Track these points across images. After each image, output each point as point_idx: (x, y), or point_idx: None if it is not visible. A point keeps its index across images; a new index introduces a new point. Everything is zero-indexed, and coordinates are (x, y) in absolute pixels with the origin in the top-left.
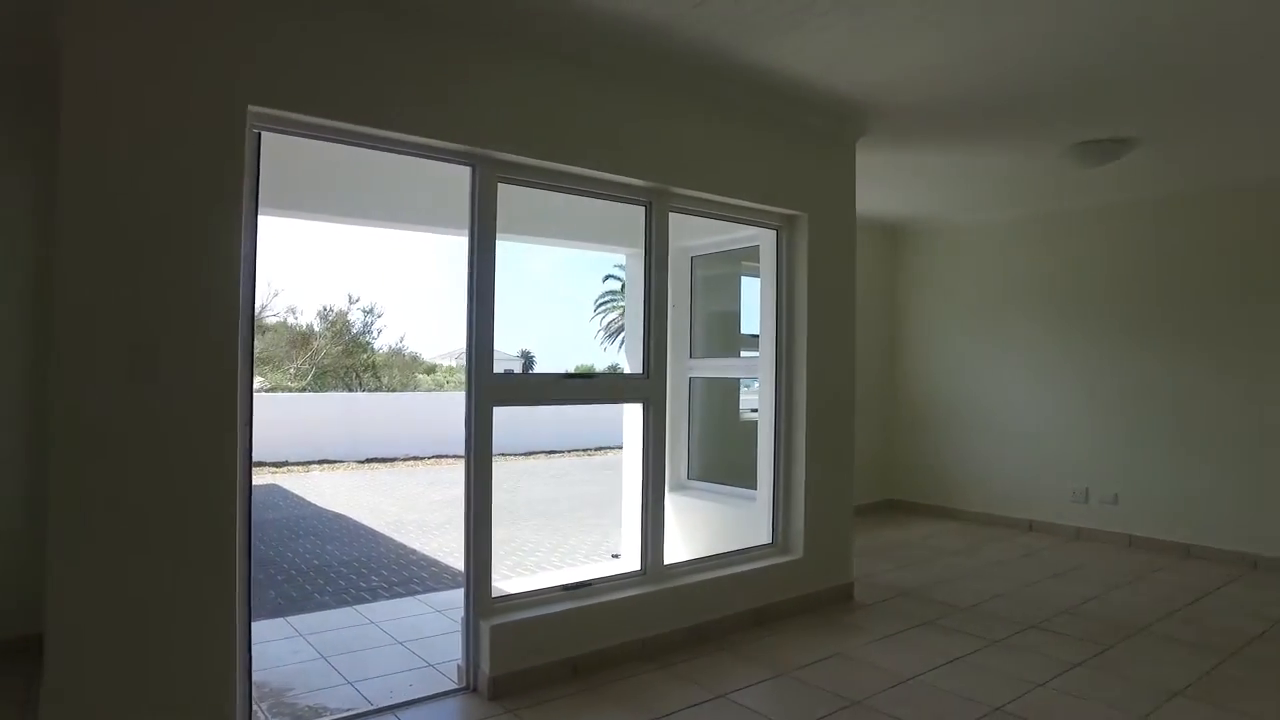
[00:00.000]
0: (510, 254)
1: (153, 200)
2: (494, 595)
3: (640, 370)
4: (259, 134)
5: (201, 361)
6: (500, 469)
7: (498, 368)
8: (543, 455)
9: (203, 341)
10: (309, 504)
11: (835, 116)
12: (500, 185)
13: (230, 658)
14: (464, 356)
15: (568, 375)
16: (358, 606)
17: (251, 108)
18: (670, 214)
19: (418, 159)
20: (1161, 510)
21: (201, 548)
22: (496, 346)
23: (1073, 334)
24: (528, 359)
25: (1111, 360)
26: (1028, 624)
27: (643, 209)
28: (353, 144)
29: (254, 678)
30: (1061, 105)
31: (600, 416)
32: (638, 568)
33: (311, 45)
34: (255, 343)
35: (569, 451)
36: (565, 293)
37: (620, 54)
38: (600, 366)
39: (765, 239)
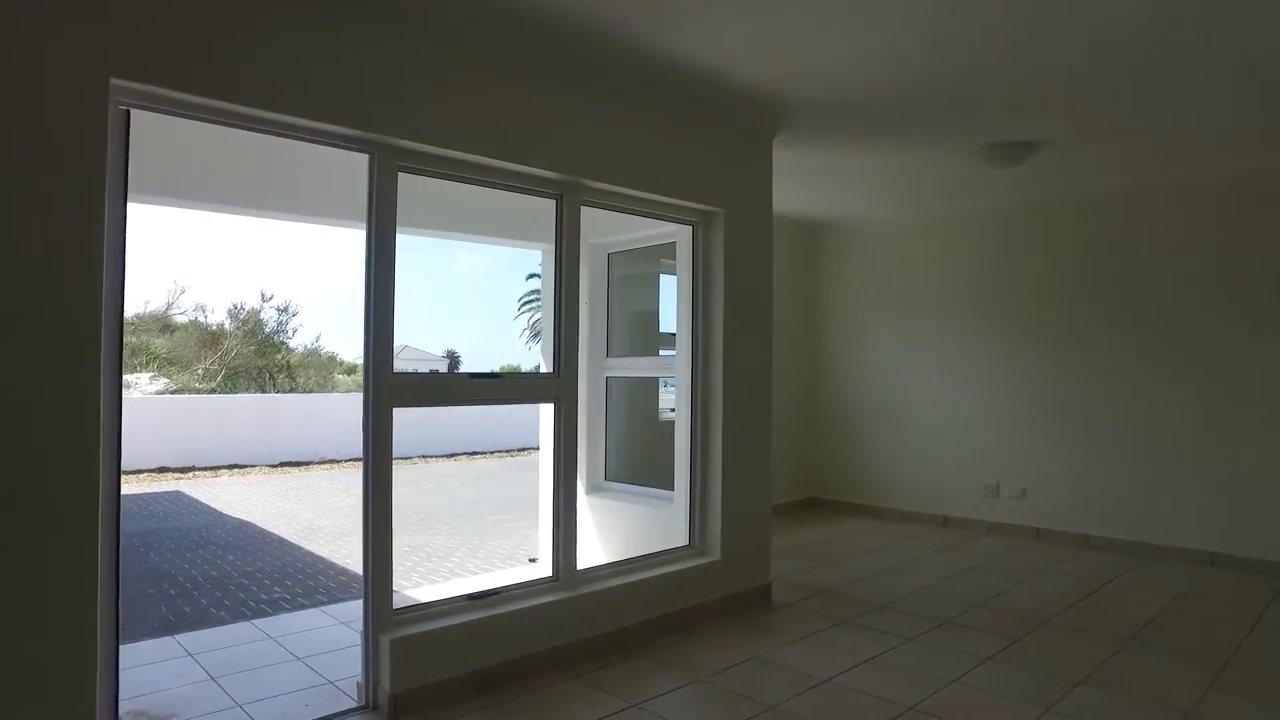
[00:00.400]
0: (438, 253)
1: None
2: (396, 607)
3: (551, 369)
4: (127, 111)
5: (56, 359)
6: (421, 471)
7: (422, 368)
8: (465, 456)
9: (58, 337)
10: (214, 511)
11: (752, 112)
12: (402, 175)
13: (89, 690)
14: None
15: (473, 375)
16: (256, 621)
17: (115, 81)
18: (584, 208)
19: (315, 146)
20: (1065, 504)
21: (55, 568)
22: (422, 347)
23: (984, 333)
24: (453, 359)
25: (1020, 358)
26: (941, 619)
27: (553, 202)
28: (237, 127)
29: (131, 705)
30: (973, 107)
31: (525, 416)
32: (549, 573)
33: (186, 15)
34: (160, 342)
35: (493, 452)
36: (496, 292)
37: (532, 42)
38: (526, 366)
39: (682, 235)
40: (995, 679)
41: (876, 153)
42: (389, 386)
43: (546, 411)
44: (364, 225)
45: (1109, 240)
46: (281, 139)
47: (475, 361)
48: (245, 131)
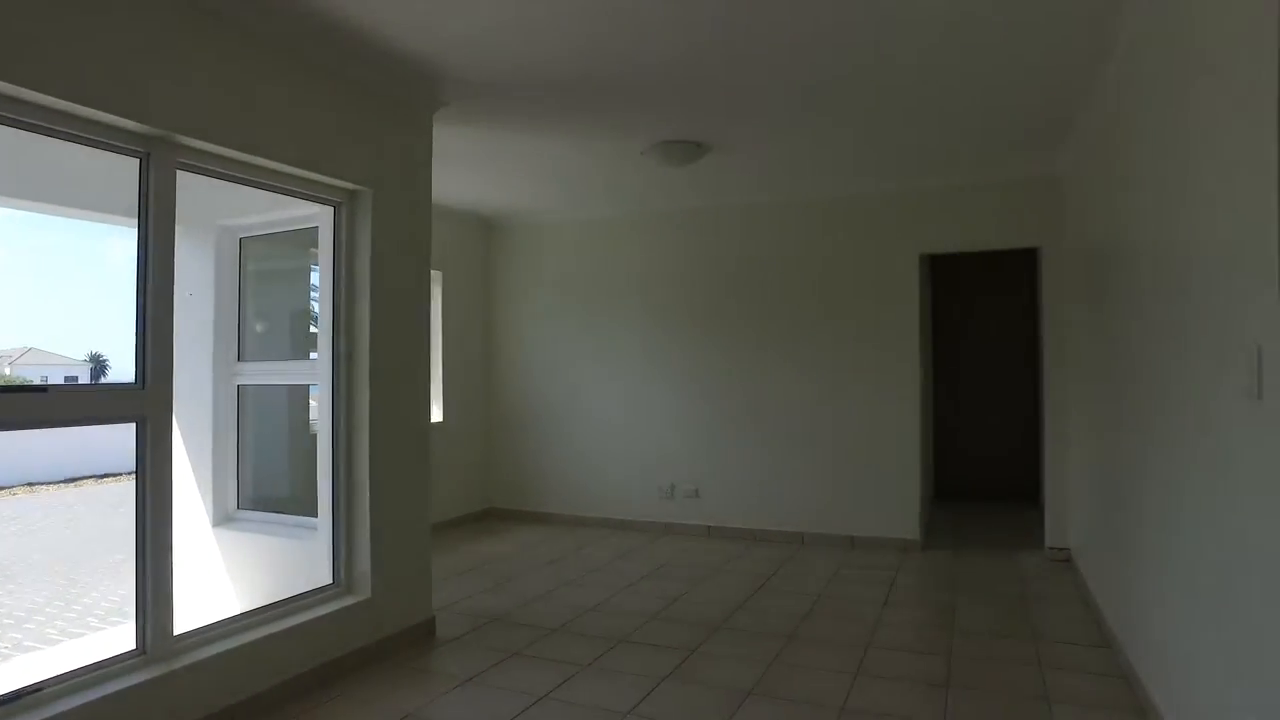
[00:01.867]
0: (86, 238)
1: None
2: None
3: (134, 379)
4: None
5: None
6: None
7: (55, 376)
8: (91, 480)
9: None
10: None
11: (407, 79)
12: None
13: None
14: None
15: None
16: None
17: None
18: (185, 174)
19: None
20: (733, 501)
21: None
22: (59, 350)
23: (656, 335)
24: (99, 364)
25: (688, 360)
26: (619, 637)
27: (137, 162)
28: None
29: None
30: (639, 98)
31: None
32: (134, 645)
33: None
34: None
35: (104, 476)
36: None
37: None
38: None
39: (324, 218)
40: (672, 701)
41: (546, 139)
42: None
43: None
44: None
45: (760, 247)
46: None
47: (129, 367)
48: None
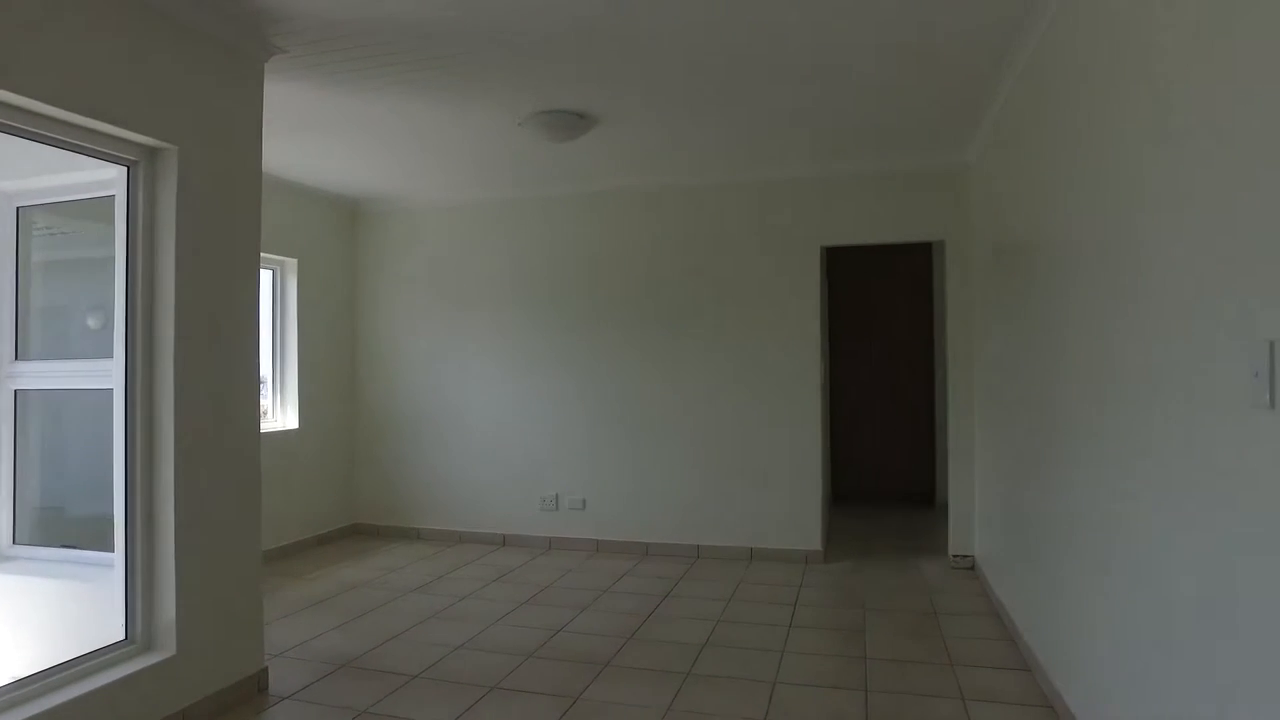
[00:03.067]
0: None
1: None
2: None
3: None
4: None
5: None
6: None
7: None
8: None
9: None
10: None
11: (227, 13)
12: None
13: None
14: None
15: None
16: None
17: None
18: None
19: None
20: (623, 512)
21: None
22: None
23: (539, 330)
24: None
25: (576, 358)
26: (489, 683)
27: None
28: None
29: None
30: (524, 59)
31: None
32: None
33: None
34: None
35: None
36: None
37: None
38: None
39: (118, 182)
40: None
41: (410, 103)
42: None
43: None
44: None
45: (650, 238)
46: None
47: None
48: None
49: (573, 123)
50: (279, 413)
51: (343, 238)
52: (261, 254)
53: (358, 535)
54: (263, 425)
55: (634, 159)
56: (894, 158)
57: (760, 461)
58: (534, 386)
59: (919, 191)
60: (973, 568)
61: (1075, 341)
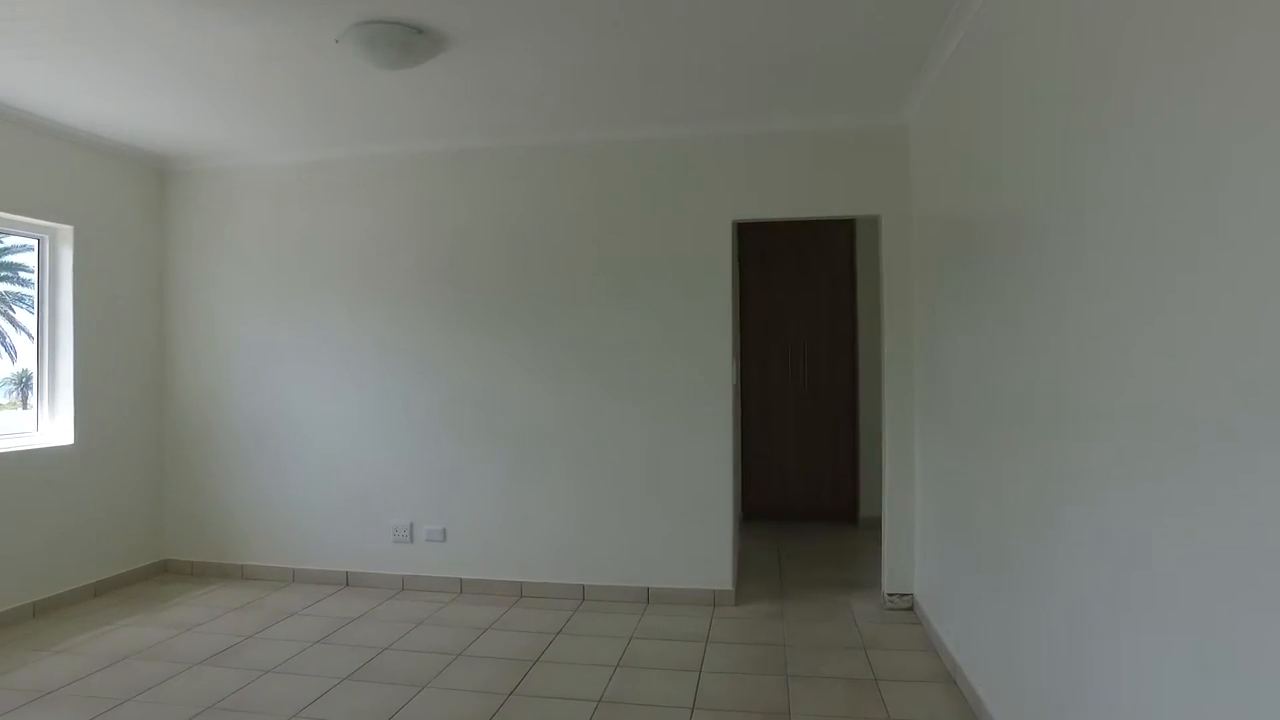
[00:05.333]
0: None
1: None
2: None
3: None
4: None
5: None
6: None
7: None
8: None
9: None
10: None
11: None
12: None
13: None
14: None
15: None
16: None
17: None
18: None
19: None
20: (494, 544)
21: None
22: None
23: (393, 324)
24: None
25: (437, 358)
26: None
27: None
28: None
29: None
30: None
31: None
32: None
33: None
34: None
35: None
36: None
37: None
38: None
39: None
40: None
41: (190, 6)
42: None
43: None
44: None
45: (525, 209)
46: None
47: None
48: None
49: (407, 40)
50: (44, 423)
51: (145, 203)
52: (15, 217)
53: (167, 576)
54: (9, 439)
55: (499, 105)
56: (822, 115)
57: (660, 482)
58: (385, 390)
59: (849, 156)
60: (911, 608)
61: (1082, 349)
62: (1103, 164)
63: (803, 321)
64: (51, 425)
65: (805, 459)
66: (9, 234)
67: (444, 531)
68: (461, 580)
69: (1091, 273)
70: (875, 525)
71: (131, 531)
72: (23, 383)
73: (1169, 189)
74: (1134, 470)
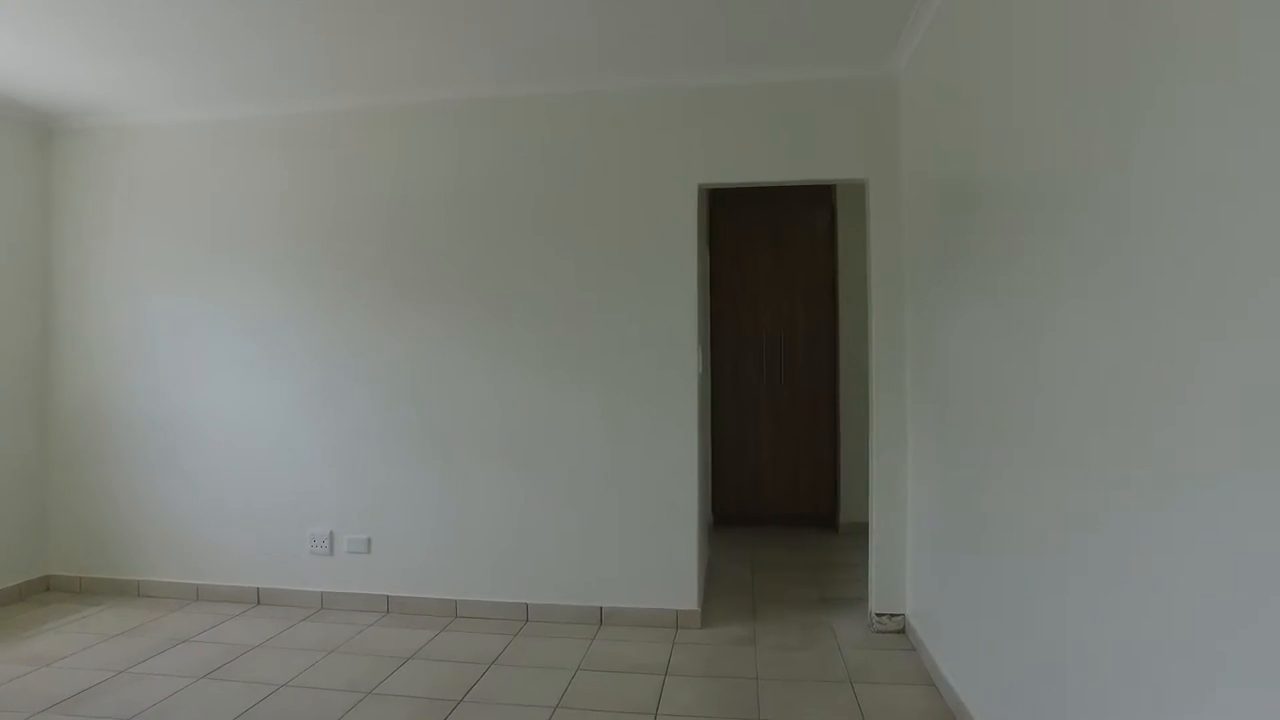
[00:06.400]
0: None
1: None
2: None
3: None
4: None
5: None
6: None
7: None
8: None
9: None
10: None
11: None
12: None
13: None
14: None
15: None
16: None
17: None
18: None
19: None
20: (425, 557)
21: None
22: None
23: (310, 305)
24: None
25: (358, 344)
26: None
27: None
28: None
29: None
30: None
31: None
32: None
33: None
34: None
35: None
36: None
37: None
38: None
39: None
40: None
41: None
42: None
43: None
44: None
45: (459, 171)
46: None
47: None
48: None
49: None
50: None
51: (23, 166)
52: None
53: (49, 595)
54: None
55: (428, 42)
56: (800, 65)
57: (617, 487)
58: (303, 380)
59: (831, 113)
60: (903, 630)
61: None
62: (1146, 110)
63: (779, 310)
64: None
65: (781, 459)
66: None
67: (369, 542)
68: (388, 598)
69: (1140, 237)
70: (858, 532)
71: (19, 541)
72: None
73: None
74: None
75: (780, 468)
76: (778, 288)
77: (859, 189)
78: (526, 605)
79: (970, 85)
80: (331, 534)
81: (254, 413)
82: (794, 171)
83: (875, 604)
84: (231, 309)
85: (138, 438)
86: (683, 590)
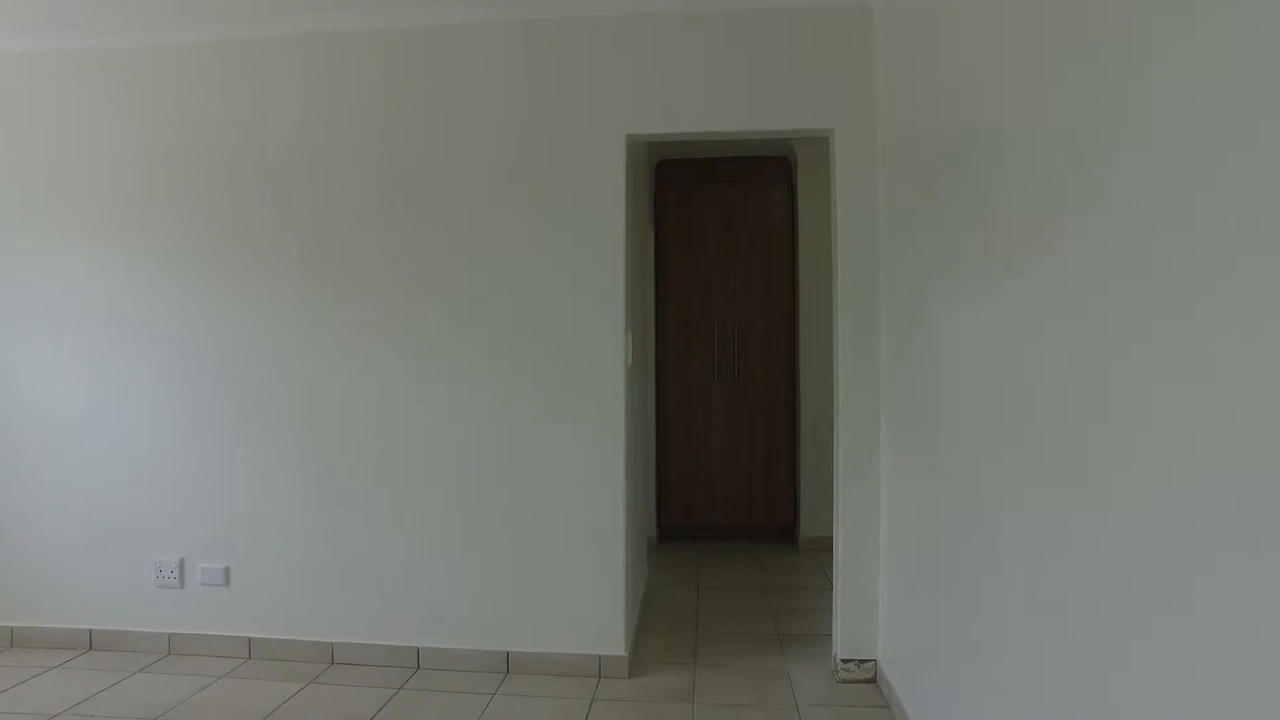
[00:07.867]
0: None
1: None
2: None
3: None
4: None
5: None
6: None
7: None
8: None
9: None
10: None
11: None
12: None
13: None
14: None
15: None
16: None
17: None
18: None
19: None
20: (295, 591)
21: None
22: None
23: (150, 287)
24: None
25: (211, 327)
26: None
27: None
28: None
29: None
30: None
31: None
32: None
33: None
34: None
35: None
36: None
37: None
38: None
39: None
40: None
41: None
42: None
43: None
44: None
45: (317, 124)
46: None
47: None
48: None
49: None
50: None
51: None
52: None
53: None
54: None
55: None
56: None
57: (527, 504)
58: (144, 371)
59: (790, 46)
60: (873, 679)
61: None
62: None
63: (732, 297)
64: None
65: (735, 466)
66: None
67: (226, 572)
68: (250, 640)
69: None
70: (819, 547)
71: None
72: None
73: None
74: None
75: (733, 475)
76: (731, 272)
77: (822, 160)
78: (417, 650)
79: (963, 10)
80: (182, 562)
81: (88, 419)
82: (742, 120)
83: (841, 648)
84: (49, 295)
85: None
86: (606, 632)
